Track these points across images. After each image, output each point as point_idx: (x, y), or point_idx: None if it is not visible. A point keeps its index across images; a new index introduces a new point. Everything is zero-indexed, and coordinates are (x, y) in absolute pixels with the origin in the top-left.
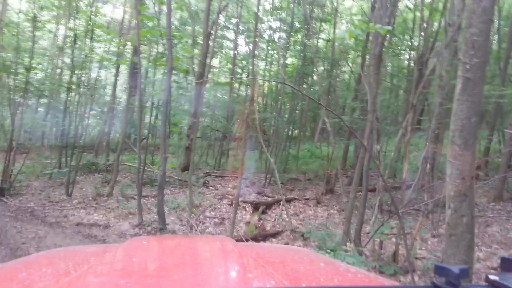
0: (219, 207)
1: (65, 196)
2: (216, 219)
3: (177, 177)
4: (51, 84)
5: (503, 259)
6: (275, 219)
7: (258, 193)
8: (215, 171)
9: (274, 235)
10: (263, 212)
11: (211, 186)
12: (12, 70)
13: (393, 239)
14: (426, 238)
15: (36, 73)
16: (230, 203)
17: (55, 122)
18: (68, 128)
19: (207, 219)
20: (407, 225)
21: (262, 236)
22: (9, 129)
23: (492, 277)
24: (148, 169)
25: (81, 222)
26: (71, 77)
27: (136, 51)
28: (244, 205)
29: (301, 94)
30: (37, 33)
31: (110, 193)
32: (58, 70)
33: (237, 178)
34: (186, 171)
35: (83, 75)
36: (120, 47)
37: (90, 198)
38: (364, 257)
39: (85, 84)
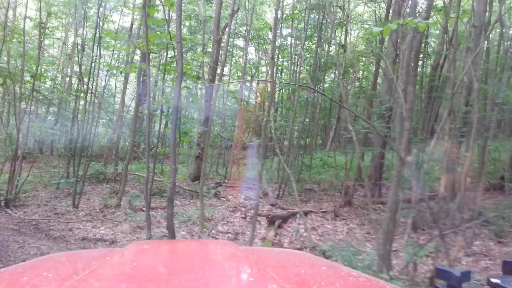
0: (232, 220)
1: (71, 208)
2: (230, 234)
3: (187, 188)
4: (60, 92)
5: (505, 262)
6: (292, 234)
7: (272, 205)
8: (226, 181)
9: None
10: (279, 227)
11: (222, 197)
12: (18, 78)
13: (426, 258)
14: (459, 257)
15: (45, 81)
16: (243, 216)
17: (64, 130)
18: (76, 137)
19: (220, 234)
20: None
21: None
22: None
23: (493, 280)
24: (158, 179)
25: (86, 237)
26: (79, 85)
27: (144, 58)
28: (259, 219)
29: (313, 101)
30: (46, 41)
31: (118, 204)
32: (67, 79)
33: (249, 189)
34: (197, 181)
35: (91, 83)
36: (129, 53)
37: (97, 210)
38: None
39: (94, 92)
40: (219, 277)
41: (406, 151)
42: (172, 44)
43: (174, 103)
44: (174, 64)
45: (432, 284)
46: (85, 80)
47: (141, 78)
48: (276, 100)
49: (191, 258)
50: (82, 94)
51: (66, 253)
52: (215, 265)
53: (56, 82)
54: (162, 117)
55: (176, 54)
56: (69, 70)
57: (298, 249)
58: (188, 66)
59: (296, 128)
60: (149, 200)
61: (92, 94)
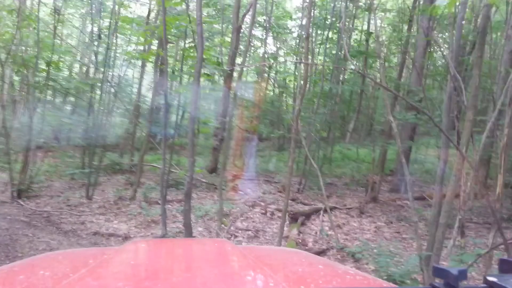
0: (251, 216)
1: (85, 199)
2: (250, 232)
3: (204, 180)
4: (77, 82)
5: (501, 261)
6: (316, 233)
7: (293, 200)
8: (243, 173)
9: (319, 253)
10: (302, 224)
11: (240, 191)
12: (31, 65)
13: (475, 267)
14: None
15: (61, 70)
16: (263, 211)
17: (80, 120)
18: (92, 127)
19: (239, 231)
20: (474, 243)
21: None
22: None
23: (490, 278)
24: (174, 170)
25: (98, 231)
26: (95, 74)
27: (162, 46)
28: (279, 215)
29: (336, 92)
30: (65, 31)
31: (133, 196)
32: (85, 68)
33: (267, 182)
34: (213, 173)
35: (108, 72)
36: (145, 38)
37: (112, 202)
38: None
39: (111, 81)
40: (217, 275)
41: (467, 146)
42: (192, 28)
43: (193, 92)
44: (193, 51)
45: None
46: (101, 69)
47: (158, 67)
48: (293, 91)
49: (189, 256)
50: (98, 83)
51: (63, 251)
52: (212, 263)
53: (73, 71)
54: (179, 106)
55: (195, 38)
56: (86, 60)
57: (324, 250)
58: (209, 52)
59: (317, 119)
60: (165, 194)
61: (109, 83)
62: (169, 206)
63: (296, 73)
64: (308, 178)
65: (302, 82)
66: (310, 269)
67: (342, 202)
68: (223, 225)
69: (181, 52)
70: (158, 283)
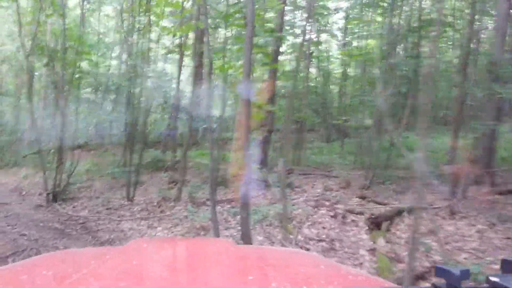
0: (318, 220)
1: (125, 201)
2: (324, 243)
3: (253, 176)
4: (114, 77)
5: (503, 261)
6: (407, 242)
7: (361, 198)
8: (295, 167)
9: (424, 275)
10: (379, 228)
11: (297, 187)
12: (60, 56)
13: None
14: None
15: (98, 65)
16: (332, 214)
17: (120, 117)
18: (133, 123)
19: (310, 241)
20: None
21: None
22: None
23: (492, 278)
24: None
25: None
26: (134, 68)
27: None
28: (352, 217)
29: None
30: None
31: (178, 197)
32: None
33: (325, 177)
34: (262, 168)
35: (146, 67)
36: (183, 17)
37: (154, 204)
38: None
39: (151, 75)
40: (219, 275)
41: None
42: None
43: (244, 70)
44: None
45: None
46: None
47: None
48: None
49: (191, 256)
50: (138, 78)
51: (66, 251)
52: (214, 263)
53: (110, 67)
54: (227, 89)
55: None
56: (124, 56)
57: (428, 269)
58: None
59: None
60: (215, 196)
61: (148, 77)
62: (219, 207)
63: (343, 58)
64: (375, 172)
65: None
66: (312, 269)
67: (420, 199)
68: (290, 235)
69: (226, 15)
70: (160, 282)
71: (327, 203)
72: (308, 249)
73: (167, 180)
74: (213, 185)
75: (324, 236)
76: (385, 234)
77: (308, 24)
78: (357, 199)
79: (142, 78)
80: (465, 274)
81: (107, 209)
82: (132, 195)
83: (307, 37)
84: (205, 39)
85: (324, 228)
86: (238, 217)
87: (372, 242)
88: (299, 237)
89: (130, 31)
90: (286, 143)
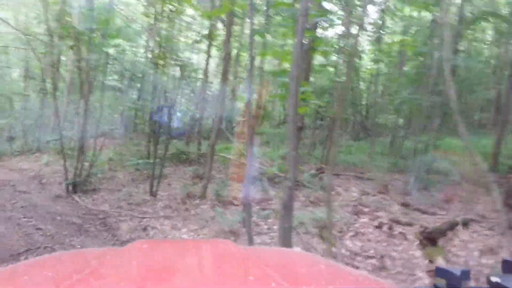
0: (361, 230)
1: (148, 196)
2: (373, 260)
3: (282, 174)
4: (142, 64)
5: (504, 261)
6: (467, 262)
7: (404, 205)
8: (324, 166)
9: None
10: (433, 245)
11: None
12: (85, 38)
13: None
14: None
15: (125, 51)
16: (376, 224)
17: (146, 105)
18: (157, 113)
19: (356, 257)
20: None
21: None
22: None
23: (493, 278)
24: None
25: None
26: (160, 56)
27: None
28: (400, 228)
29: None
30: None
31: (203, 194)
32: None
33: (358, 179)
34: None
35: (173, 56)
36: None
37: (179, 201)
38: None
39: (178, 63)
40: (219, 276)
41: None
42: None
43: (295, 45)
44: None
45: None
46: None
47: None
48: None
49: (191, 257)
50: (164, 67)
51: (66, 252)
52: (215, 264)
53: (137, 53)
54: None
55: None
56: (151, 43)
57: None
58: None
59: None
60: (249, 197)
61: (174, 63)
62: (239, 209)
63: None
64: (418, 176)
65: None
66: (312, 270)
67: (471, 209)
68: (333, 248)
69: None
70: (160, 283)
71: (366, 210)
72: (357, 267)
73: (191, 174)
74: (248, 185)
75: (372, 251)
76: (443, 252)
77: (344, 15)
78: (399, 206)
79: (169, 67)
80: (466, 274)
81: (128, 204)
82: (155, 189)
83: (339, 30)
84: (249, 15)
85: (369, 240)
86: (270, 220)
87: (427, 261)
88: (343, 250)
89: (160, 15)
90: (333, 142)
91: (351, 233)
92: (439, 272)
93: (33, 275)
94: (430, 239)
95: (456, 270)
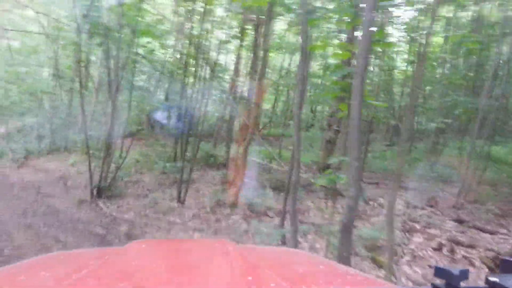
0: (418, 252)
1: (176, 203)
2: None
3: (321, 183)
4: (171, 63)
5: (502, 261)
6: None
7: (457, 221)
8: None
9: None
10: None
11: (370, 200)
12: (116, 35)
13: None
14: None
15: (154, 51)
16: (435, 246)
17: (174, 106)
18: (185, 113)
19: None
20: None
21: None
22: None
23: (492, 278)
24: (275, 166)
25: None
26: (191, 55)
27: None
28: (462, 251)
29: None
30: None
31: (234, 203)
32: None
33: (402, 189)
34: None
35: (202, 56)
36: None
37: (208, 210)
38: None
39: (206, 62)
40: (218, 275)
41: None
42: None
43: (363, 35)
44: None
45: None
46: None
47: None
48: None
49: (190, 257)
50: (192, 67)
51: (64, 252)
52: (213, 264)
53: (166, 53)
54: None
55: None
56: (179, 43)
57: None
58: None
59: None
60: (295, 211)
61: (204, 63)
62: (275, 221)
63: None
64: (469, 188)
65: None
66: (310, 269)
67: None
68: (385, 270)
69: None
70: (159, 283)
71: (418, 227)
72: None
73: (220, 179)
74: (294, 196)
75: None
76: None
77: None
78: (453, 222)
79: (197, 67)
80: (464, 274)
81: (155, 212)
82: (183, 196)
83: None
84: (302, 1)
85: (430, 267)
86: (310, 237)
87: None
88: (403, 279)
89: (190, 13)
90: (399, 151)
91: (407, 257)
92: (438, 272)
93: (30, 276)
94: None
95: (455, 270)
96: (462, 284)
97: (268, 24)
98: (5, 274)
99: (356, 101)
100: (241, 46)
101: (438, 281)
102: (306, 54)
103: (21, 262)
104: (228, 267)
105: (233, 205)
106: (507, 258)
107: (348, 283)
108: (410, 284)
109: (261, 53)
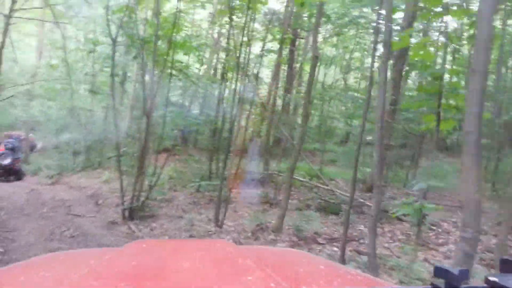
0: None
1: (213, 227)
2: None
3: (364, 201)
4: (206, 79)
5: (502, 260)
6: None
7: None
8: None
9: None
10: None
11: (432, 225)
12: (151, 47)
13: None
14: None
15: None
16: None
17: (207, 120)
18: (221, 128)
19: None
20: None
21: None
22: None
23: (491, 278)
24: (321, 186)
25: None
26: (228, 69)
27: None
28: None
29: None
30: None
31: (279, 227)
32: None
33: (458, 208)
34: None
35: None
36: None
37: (249, 234)
38: None
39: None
40: (218, 276)
41: None
42: None
43: (479, 30)
44: None
45: None
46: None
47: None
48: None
49: (190, 257)
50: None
51: (64, 252)
52: (213, 264)
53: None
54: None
55: None
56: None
57: None
58: None
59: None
60: (374, 240)
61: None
62: (335, 248)
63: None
64: None
65: None
66: (311, 269)
67: None
68: None
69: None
70: (159, 283)
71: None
72: None
73: (259, 198)
74: (374, 227)
75: None
76: None
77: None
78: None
79: (235, 80)
80: (464, 274)
81: (191, 236)
82: (221, 218)
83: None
84: None
85: None
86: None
87: None
88: None
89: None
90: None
91: None
92: (437, 272)
93: (30, 276)
94: None
95: (455, 270)
96: (462, 284)
97: (315, 35)
98: (5, 274)
99: (475, 106)
100: (279, 59)
101: (438, 281)
102: (388, 52)
103: (21, 262)
104: (228, 267)
105: (277, 230)
106: (507, 258)
107: (348, 283)
108: None
109: (297, 67)
